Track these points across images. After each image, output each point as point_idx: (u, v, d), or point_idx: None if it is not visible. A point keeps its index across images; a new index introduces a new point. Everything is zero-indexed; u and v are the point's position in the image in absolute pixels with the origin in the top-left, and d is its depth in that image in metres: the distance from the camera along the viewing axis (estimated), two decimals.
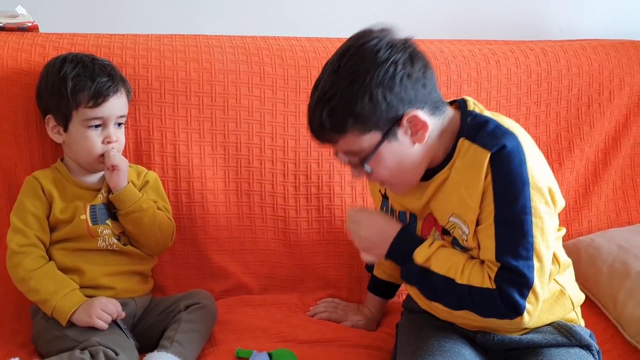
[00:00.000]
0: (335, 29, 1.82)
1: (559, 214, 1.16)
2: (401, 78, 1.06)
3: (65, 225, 1.32)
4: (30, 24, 1.51)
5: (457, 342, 1.18)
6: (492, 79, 1.67)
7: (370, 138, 1.08)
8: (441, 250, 1.13)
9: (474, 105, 1.17)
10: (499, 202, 1.07)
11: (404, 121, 1.07)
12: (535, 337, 1.17)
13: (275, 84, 1.55)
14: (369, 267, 1.51)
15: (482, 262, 1.11)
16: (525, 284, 1.07)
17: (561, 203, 1.14)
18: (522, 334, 1.18)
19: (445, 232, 1.15)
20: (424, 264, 1.12)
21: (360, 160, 1.11)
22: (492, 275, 1.08)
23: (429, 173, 1.15)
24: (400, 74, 1.06)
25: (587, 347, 1.19)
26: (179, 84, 1.49)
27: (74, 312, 1.23)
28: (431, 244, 1.14)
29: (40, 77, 1.37)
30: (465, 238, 1.12)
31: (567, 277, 1.24)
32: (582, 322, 1.25)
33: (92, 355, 1.15)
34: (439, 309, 1.18)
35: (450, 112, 1.16)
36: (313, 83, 1.52)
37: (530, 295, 1.07)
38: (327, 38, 1.68)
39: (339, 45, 1.63)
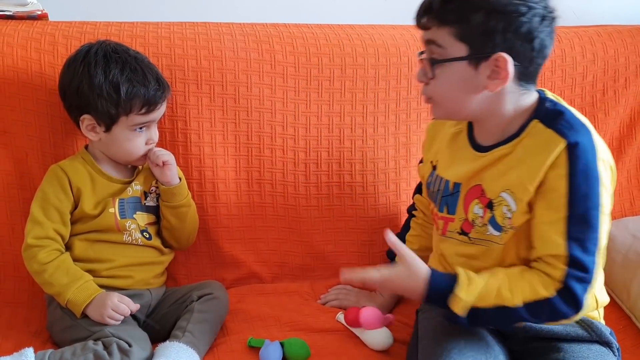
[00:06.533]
0: (346, 15, 1.81)
1: None
2: (520, 25, 1.03)
3: (92, 218, 1.32)
4: (39, 12, 1.50)
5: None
6: None
7: (458, 48, 1.06)
8: (479, 282, 1.09)
9: (552, 96, 1.16)
10: (573, 197, 1.05)
11: (493, 59, 1.05)
12: (556, 327, 1.17)
13: (286, 72, 1.54)
14: (391, 255, 1.50)
15: (526, 268, 1.09)
16: (588, 280, 1.05)
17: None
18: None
19: (489, 205, 1.14)
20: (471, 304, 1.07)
21: (434, 59, 1.09)
22: (556, 275, 1.05)
23: (487, 147, 1.15)
24: (522, 20, 1.03)
25: (607, 344, 1.18)
26: (190, 73, 1.48)
27: (87, 305, 1.24)
28: (469, 284, 1.08)
29: (74, 74, 1.30)
30: (510, 215, 1.11)
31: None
32: (603, 323, 1.23)
33: (105, 347, 1.16)
34: None
35: (534, 96, 1.14)
36: (324, 71, 1.54)
37: (589, 291, 1.06)
38: (339, 25, 1.66)
39: (350, 31, 1.63)
